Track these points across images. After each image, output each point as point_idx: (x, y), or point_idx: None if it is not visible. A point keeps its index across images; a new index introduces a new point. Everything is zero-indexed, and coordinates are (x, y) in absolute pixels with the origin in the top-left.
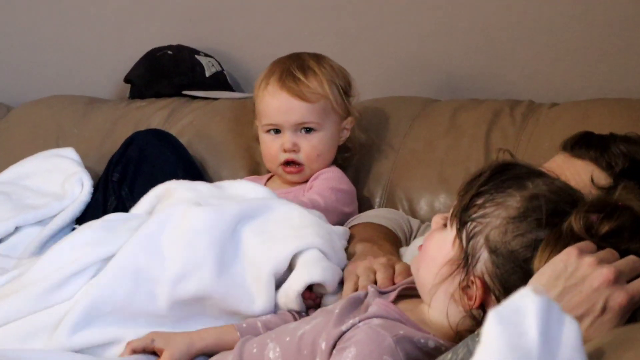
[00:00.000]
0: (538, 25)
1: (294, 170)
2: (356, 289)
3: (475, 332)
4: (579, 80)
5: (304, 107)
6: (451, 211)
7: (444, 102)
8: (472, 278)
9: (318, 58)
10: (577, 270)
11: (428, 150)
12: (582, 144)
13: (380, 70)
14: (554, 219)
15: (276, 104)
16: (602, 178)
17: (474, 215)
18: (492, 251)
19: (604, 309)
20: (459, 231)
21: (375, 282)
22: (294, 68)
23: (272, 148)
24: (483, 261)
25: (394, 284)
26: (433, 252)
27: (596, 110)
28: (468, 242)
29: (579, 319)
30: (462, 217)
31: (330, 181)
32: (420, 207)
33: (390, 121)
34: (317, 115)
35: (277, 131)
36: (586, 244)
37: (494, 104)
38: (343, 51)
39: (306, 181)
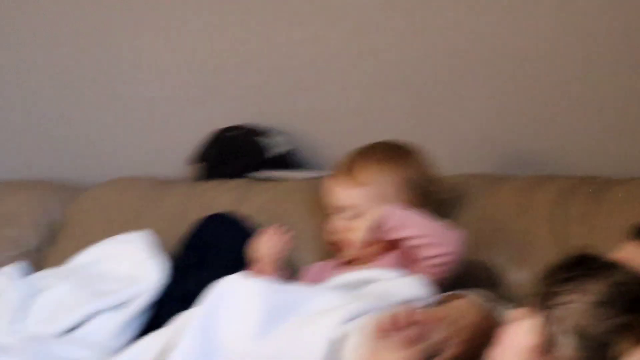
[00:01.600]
0: (611, 96)
1: (337, 248)
2: None
3: None
4: None
5: (352, 190)
6: (532, 299)
7: (516, 178)
8: None
9: (394, 149)
10: None
11: (501, 230)
12: None
13: (451, 148)
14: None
15: (329, 184)
16: None
17: (560, 301)
18: (579, 335)
19: None
20: (543, 317)
21: None
22: (359, 154)
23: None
24: (569, 344)
25: None
26: (511, 341)
27: None
28: (552, 327)
29: None
30: (546, 302)
31: None
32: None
33: (460, 200)
34: (364, 200)
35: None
36: None
37: (568, 180)
38: (414, 127)
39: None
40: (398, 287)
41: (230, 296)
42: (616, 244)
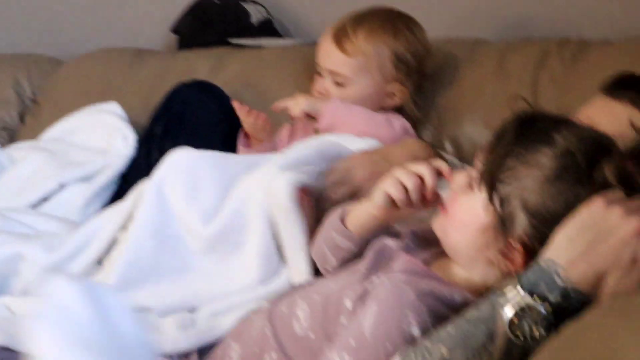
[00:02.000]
0: None
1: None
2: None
3: (499, 288)
4: (632, 16)
5: (339, 57)
6: (478, 173)
7: (492, 43)
8: (511, 242)
9: (390, 19)
10: (604, 221)
11: (476, 94)
12: (622, 86)
13: (430, 12)
14: (590, 173)
15: (321, 44)
16: None
17: (506, 178)
18: (531, 214)
19: (632, 262)
20: (490, 195)
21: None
22: (350, 21)
23: (313, 89)
24: (522, 225)
25: None
26: (463, 217)
27: None
28: (502, 206)
29: (606, 272)
30: (492, 180)
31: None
32: (467, 152)
33: (438, 64)
34: (350, 69)
35: (319, 74)
36: (614, 192)
37: (543, 43)
38: None
39: None
40: (345, 141)
41: (175, 169)
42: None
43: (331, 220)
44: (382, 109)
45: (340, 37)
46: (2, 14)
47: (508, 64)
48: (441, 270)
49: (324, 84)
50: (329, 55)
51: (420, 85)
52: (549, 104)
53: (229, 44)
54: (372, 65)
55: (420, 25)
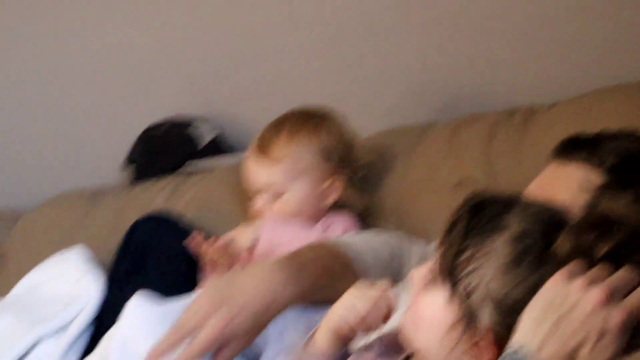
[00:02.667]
0: (525, 26)
1: None
2: None
3: None
4: (579, 75)
5: (267, 168)
6: (436, 267)
7: (441, 124)
8: (481, 334)
9: (307, 117)
10: (567, 297)
11: (430, 178)
12: (571, 148)
13: (378, 104)
14: (548, 254)
15: (247, 166)
16: (595, 177)
17: (466, 271)
18: (496, 304)
19: (602, 333)
20: (453, 290)
21: None
22: (269, 130)
23: (253, 212)
24: (488, 315)
25: None
26: (428, 317)
27: (595, 102)
28: (466, 299)
29: (578, 347)
30: (451, 274)
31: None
32: (430, 238)
33: (390, 155)
34: (281, 176)
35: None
36: (574, 265)
37: (491, 116)
38: (338, 93)
39: None
40: None
41: (129, 321)
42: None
43: (300, 354)
44: (324, 208)
45: (263, 148)
46: None
47: (459, 142)
48: None
49: (261, 202)
50: (258, 171)
51: (355, 171)
52: (504, 175)
53: (182, 168)
54: (302, 166)
55: (337, 113)
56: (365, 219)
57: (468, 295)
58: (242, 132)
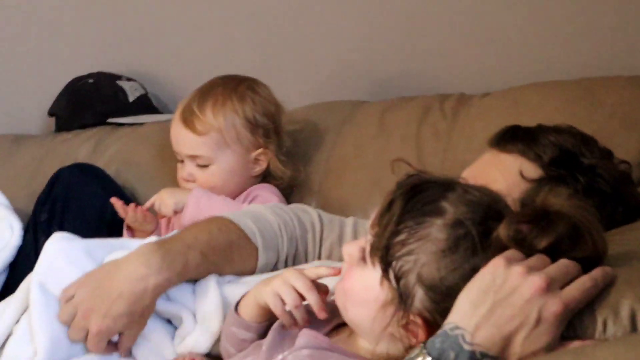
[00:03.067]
0: (461, 14)
1: None
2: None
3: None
4: (510, 67)
5: (194, 140)
6: (369, 247)
7: (372, 103)
8: (411, 317)
9: (233, 87)
10: (506, 282)
11: (358, 155)
12: (509, 138)
13: (307, 78)
14: (485, 242)
15: (173, 132)
16: (532, 170)
17: (399, 254)
18: (429, 289)
19: (538, 320)
20: (385, 271)
21: None
22: (194, 99)
23: (179, 176)
24: (420, 299)
25: None
26: (360, 293)
27: (528, 95)
28: (398, 282)
29: (513, 333)
30: (385, 256)
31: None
32: (354, 213)
33: (319, 129)
34: (208, 148)
35: (181, 161)
36: (513, 252)
37: (423, 100)
38: (267, 63)
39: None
40: None
41: (51, 259)
42: (472, 157)
43: (228, 317)
44: (251, 180)
45: (188, 118)
46: None
47: (389, 122)
48: (345, 343)
49: (187, 169)
50: (183, 141)
51: (282, 142)
52: (433, 158)
53: (107, 123)
54: (228, 137)
55: (263, 84)
56: (290, 192)
57: (400, 277)
58: (168, 94)
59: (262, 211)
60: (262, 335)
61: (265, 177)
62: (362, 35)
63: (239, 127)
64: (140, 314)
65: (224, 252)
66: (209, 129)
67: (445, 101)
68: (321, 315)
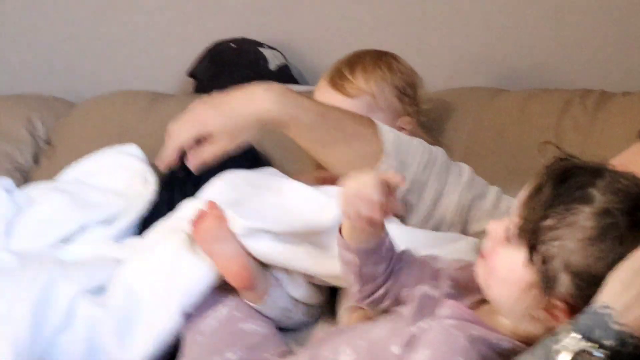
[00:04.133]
0: (608, 12)
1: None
2: None
3: (554, 335)
4: None
5: (342, 101)
6: (517, 229)
7: (513, 92)
8: (553, 301)
9: (379, 56)
10: None
11: (498, 141)
12: None
13: (448, 62)
14: (632, 232)
15: (319, 96)
16: None
17: (546, 238)
18: (574, 275)
19: None
20: (531, 254)
21: None
22: (344, 64)
23: None
24: (564, 285)
25: None
26: (504, 273)
27: None
28: (543, 266)
29: None
30: (532, 239)
31: None
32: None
33: (459, 112)
34: (359, 110)
35: None
36: None
37: (564, 93)
38: (410, 42)
39: None
40: None
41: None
42: (611, 153)
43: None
44: None
45: (338, 82)
46: (15, 54)
47: (529, 111)
48: (486, 317)
49: None
50: (332, 102)
51: (422, 114)
52: (572, 150)
53: None
54: (379, 103)
55: (403, 59)
56: None
57: (547, 261)
58: (307, 66)
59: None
60: (366, 262)
61: None
62: (506, 23)
63: (388, 93)
64: (239, 131)
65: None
66: (360, 93)
67: (586, 96)
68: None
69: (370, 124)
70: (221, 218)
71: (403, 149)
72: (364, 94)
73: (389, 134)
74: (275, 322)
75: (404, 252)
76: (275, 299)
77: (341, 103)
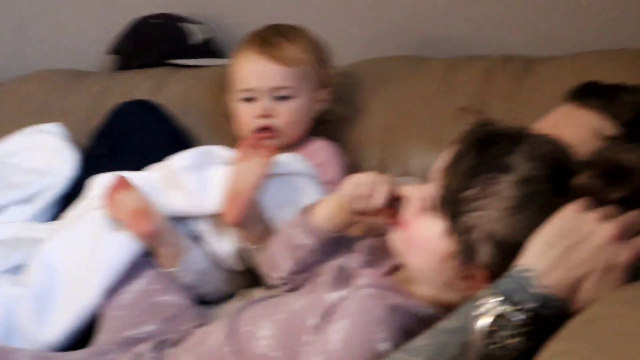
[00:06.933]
0: None
1: (267, 135)
2: None
3: (474, 300)
4: (575, 33)
5: (281, 71)
6: (437, 199)
7: (436, 60)
8: (476, 269)
9: (295, 28)
10: (580, 227)
11: (421, 110)
12: (589, 93)
13: (369, 32)
14: (554, 199)
15: (252, 67)
16: (608, 127)
17: (468, 208)
18: (497, 245)
19: (608, 267)
20: (453, 223)
21: None
22: (272, 34)
23: (247, 115)
24: (486, 254)
25: None
26: (425, 241)
27: (596, 62)
28: (465, 235)
29: (582, 278)
30: (453, 209)
31: (336, 160)
32: (415, 166)
33: (380, 82)
34: (294, 80)
35: (251, 99)
36: (586, 200)
37: (487, 60)
38: (330, 14)
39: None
40: None
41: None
42: (538, 118)
43: (292, 220)
44: (310, 121)
45: (272, 51)
46: None
47: (454, 79)
48: (405, 285)
49: (264, 105)
50: (269, 73)
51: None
52: (497, 117)
53: (168, 64)
54: (310, 71)
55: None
56: (348, 148)
57: (468, 231)
58: (236, 36)
59: None
60: (319, 249)
61: (320, 123)
62: None
63: (315, 62)
64: None
65: None
66: (298, 60)
67: (509, 62)
68: None
69: None
70: (131, 187)
71: None
72: (298, 63)
73: None
74: (194, 288)
75: None
76: (192, 262)
77: (278, 72)
